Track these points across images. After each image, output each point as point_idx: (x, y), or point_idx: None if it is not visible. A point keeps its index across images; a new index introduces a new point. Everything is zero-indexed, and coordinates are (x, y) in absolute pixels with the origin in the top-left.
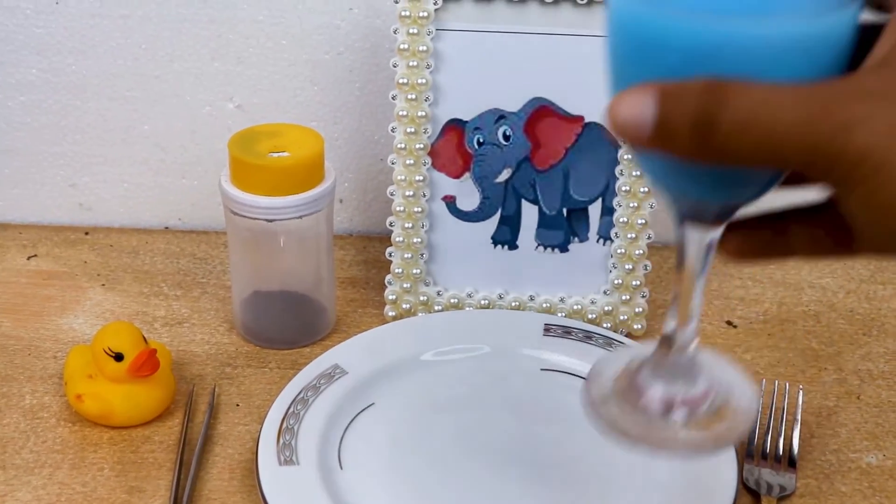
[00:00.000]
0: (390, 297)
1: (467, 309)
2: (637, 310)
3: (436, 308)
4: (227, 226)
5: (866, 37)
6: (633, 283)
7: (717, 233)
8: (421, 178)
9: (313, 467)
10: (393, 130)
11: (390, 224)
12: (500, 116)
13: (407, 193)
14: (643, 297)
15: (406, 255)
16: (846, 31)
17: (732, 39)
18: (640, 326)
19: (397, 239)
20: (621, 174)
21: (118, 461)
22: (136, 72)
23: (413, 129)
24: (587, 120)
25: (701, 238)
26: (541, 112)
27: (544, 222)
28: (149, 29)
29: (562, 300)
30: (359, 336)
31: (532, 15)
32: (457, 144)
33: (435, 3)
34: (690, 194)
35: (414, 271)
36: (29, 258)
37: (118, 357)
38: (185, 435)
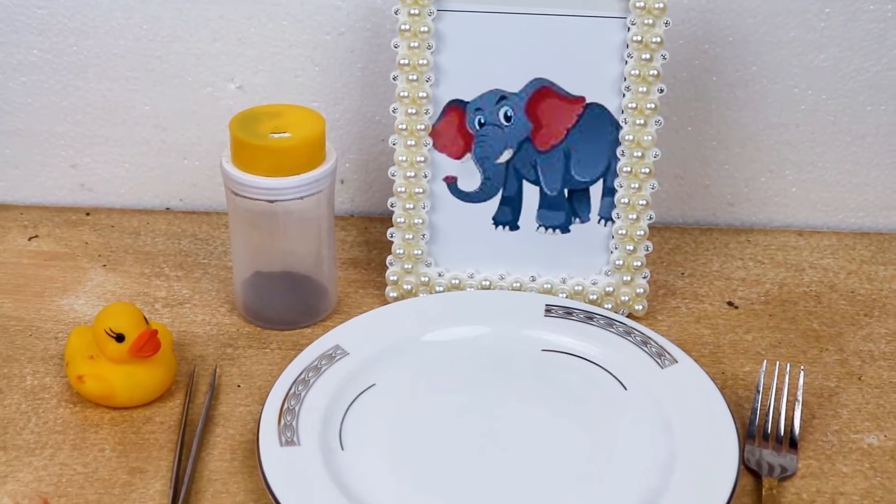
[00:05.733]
0: (391, 278)
1: (468, 290)
2: (638, 290)
3: (437, 289)
4: (229, 207)
5: None
6: (635, 263)
7: None
8: (422, 158)
9: (314, 448)
10: (394, 111)
11: (391, 205)
12: (502, 97)
13: (408, 174)
14: (644, 277)
15: (407, 236)
16: None
17: None
18: (640, 307)
19: (398, 220)
20: (622, 155)
21: (119, 442)
22: (138, 52)
23: (414, 110)
24: (588, 100)
25: None
26: (542, 92)
27: (545, 203)
28: (150, 9)
29: (563, 281)
30: (360, 317)
31: None
32: (458, 125)
33: None
34: None
35: (415, 252)
36: (30, 239)
37: (119, 338)
38: (186, 415)
